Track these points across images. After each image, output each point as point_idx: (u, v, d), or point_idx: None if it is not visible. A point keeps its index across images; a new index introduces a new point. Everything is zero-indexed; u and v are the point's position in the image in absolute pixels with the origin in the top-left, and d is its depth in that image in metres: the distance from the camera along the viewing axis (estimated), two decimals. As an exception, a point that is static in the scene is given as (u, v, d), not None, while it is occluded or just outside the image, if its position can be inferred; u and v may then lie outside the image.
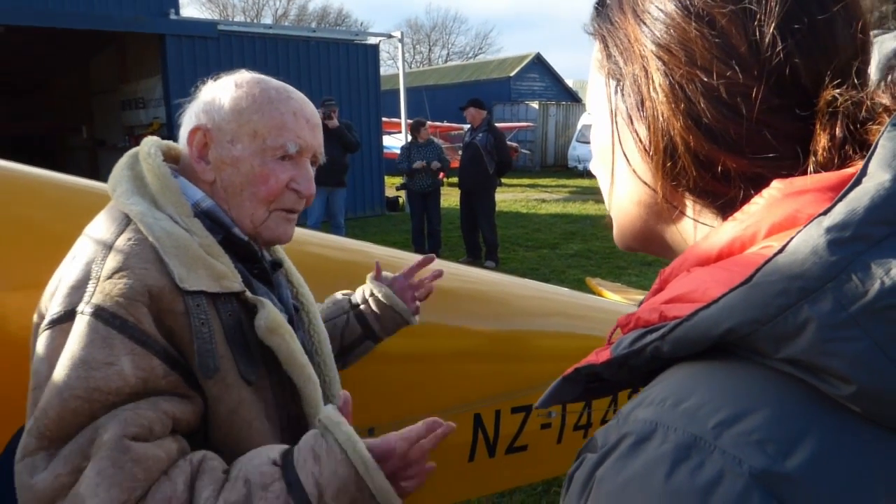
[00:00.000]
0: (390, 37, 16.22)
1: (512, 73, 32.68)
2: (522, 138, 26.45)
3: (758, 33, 0.55)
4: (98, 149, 18.14)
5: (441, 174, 10.35)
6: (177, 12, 14.30)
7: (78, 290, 1.17)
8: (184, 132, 1.36)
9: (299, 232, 2.34)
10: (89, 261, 1.20)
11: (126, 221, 1.24)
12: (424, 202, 10.16)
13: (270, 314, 1.26)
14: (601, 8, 0.68)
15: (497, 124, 10.84)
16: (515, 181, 22.11)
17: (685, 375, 0.52)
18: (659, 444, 0.48)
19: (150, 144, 1.36)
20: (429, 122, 11.13)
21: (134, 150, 1.38)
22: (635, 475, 0.48)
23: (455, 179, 10.89)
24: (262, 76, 1.39)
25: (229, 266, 1.27)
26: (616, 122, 0.66)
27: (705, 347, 0.52)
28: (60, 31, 13.55)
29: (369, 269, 1.79)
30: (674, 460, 0.46)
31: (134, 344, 1.13)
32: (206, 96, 1.37)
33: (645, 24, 0.61)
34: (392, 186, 16.71)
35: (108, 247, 1.20)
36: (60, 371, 1.11)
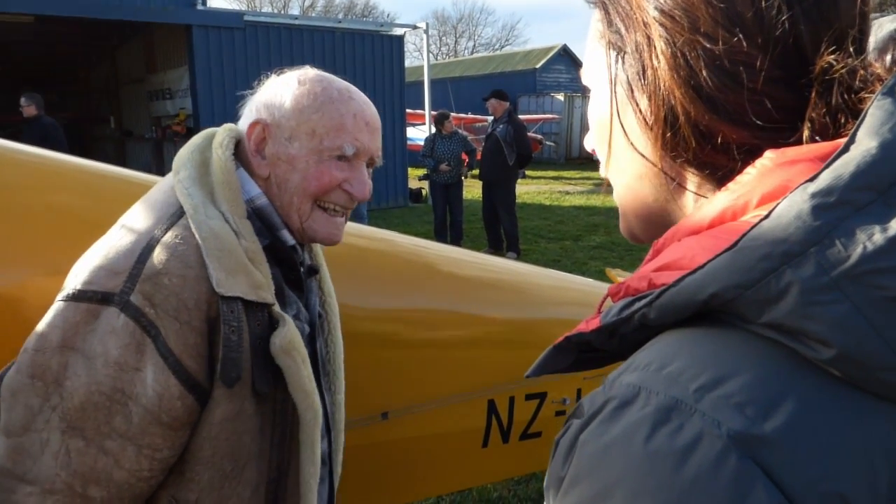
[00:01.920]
0: (415, 28, 16.21)
1: (538, 65, 32.51)
2: (547, 130, 26.30)
3: (764, 1, 0.55)
4: (125, 139, 18.35)
5: (465, 163, 10.38)
6: (203, 3, 14.41)
7: (116, 275, 1.17)
8: (244, 125, 1.36)
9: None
10: (133, 248, 1.20)
11: (178, 214, 1.24)
12: (447, 193, 10.16)
13: (288, 334, 1.24)
14: None
15: (522, 116, 10.82)
16: (539, 173, 22.02)
17: (670, 341, 0.53)
18: (641, 407, 0.48)
19: (226, 133, 1.35)
20: (453, 114, 11.13)
21: (210, 131, 1.38)
22: (616, 438, 0.48)
23: (477, 171, 10.90)
24: (327, 74, 1.38)
25: (267, 276, 1.26)
26: (616, 93, 0.65)
27: (691, 314, 0.52)
28: (89, 21, 13.73)
29: (395, 259, 1.77)
30: (654, 423, 0.47)
31: (158, 357, 1.14)
32: (269, 90, 1.36)
33: None
34: (415, 178, 16.74)
35: (157, 239, 1.20)
36: (91, 363, 1.13)
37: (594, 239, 10.88)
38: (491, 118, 10.22)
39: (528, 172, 20.18)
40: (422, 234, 10.73)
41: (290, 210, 1.33)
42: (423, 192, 15.56)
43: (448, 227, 10.32)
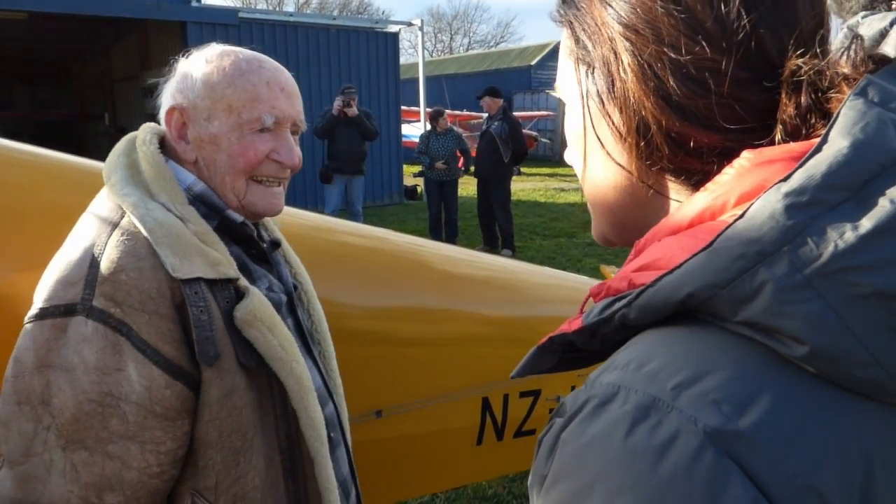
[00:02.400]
0: (410, 25, 16.19)
1: (533, 62, 32.47)
2: (543, 127, 26.30)
3: (723, 7, 0.56)
4: (119, 135, 18.19)
5: (460, 162, 10.38)
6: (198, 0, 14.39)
7: (72, 285, 1.17)
8: (162, 114, 1.35)
9: (319, 219, 2.39)
10: (84, 255, 1.20)
11: (120, 214, 1.24)
12: (441, 190, 10.17)
13: (248, 306, 1.24)
14: None
15: (517, 113, 10.81)
16: (535, 170, 22.03)
17: (649, 340, 0.54)
18: (620, 405, 0.49)
19: (147, 131, 1.36)
20: (448, 111, 11.13)
21: (131, 135, 1.37)
22: (596, 435, 0.49)
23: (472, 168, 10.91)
24: (233, 47, 1.36)
25: (224, 253, 1.26)
26: (588, 107, 0.66)
27: (669, 313, 0.53)
28: (83, 18, 13.69)
29: (388, 256, 1.78)
30: (633, 420, 0.48)
31: (136, 352, 1.14)
32: (179, 74, 1.35)
33: (610, 5, 0.61)
34: (411, 175, 16.74)
35: (104, 242, 1.20)
36: (72, 375, 1.12)
37: (589, 236, 10.87)
38: (486, 115, 10.23)
39: (523, 169, 20.17)
40: (417, 231, 10.73)
41: (225, 190, 1.32)
42: (419, 188, 15.57)
43: (443, 225, 10.32)
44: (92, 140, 20.64)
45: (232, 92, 1.29)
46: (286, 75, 1.36)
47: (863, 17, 0.64)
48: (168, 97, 1.35)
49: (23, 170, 1.76)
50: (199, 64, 1.32)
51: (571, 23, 0.67)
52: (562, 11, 0.68)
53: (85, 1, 12.85)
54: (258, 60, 1.34)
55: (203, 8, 14.16)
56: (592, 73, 0.65)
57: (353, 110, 8.96)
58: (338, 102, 9.07)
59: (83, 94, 21.48)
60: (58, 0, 12.49)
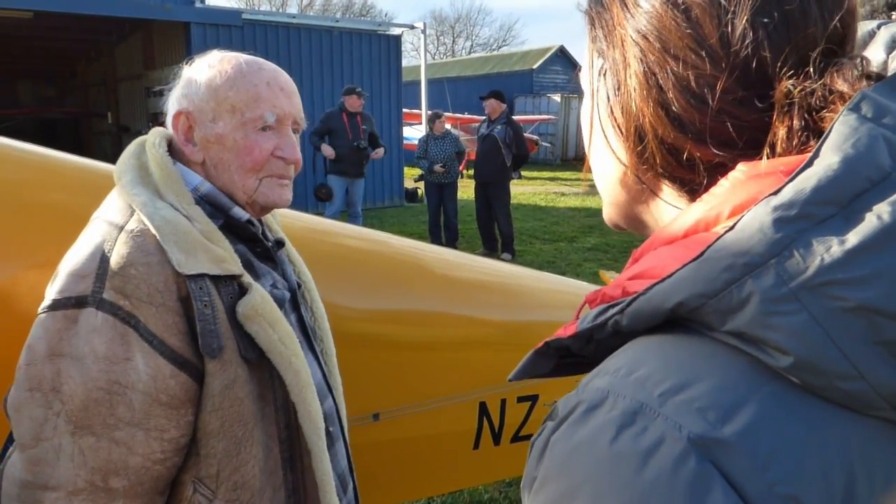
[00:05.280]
0: (413, 27, 16.22)
1: (535, 66, 32.50)
2: (544, 131, 26.31)
3: (730, 25, 0.57)
4: (122, 134, 18.33)
5: (461, 166, 10.39)
6: (202, 0, 14.41)
7: (83, 278, 1.22)
8: (169, 119, 1.41)
9: (319, 222, 2.39)
10: (95, 250, 1.25)
11: (130, 212, 1.29)
12: (441, 193, 10.18)
13: (250, 301, 1.29)
14: None
15: (519, 117, 10.83)
16: (535, 174, 22.04)
17: (639, 347, 0.55)
18: (608, 410, 0.50)
19: (156, 135, 1.41)
20: (447, 114, 11.14)
21: (141, 138, 1.43)
22: (584, 439, 0.51)
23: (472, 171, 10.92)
24: (233, 53, 1.43)
25: (228, 251, 1.31)
26: (597, 102, 0.68)
27: (660, 321, 0.54)
28: (88, 18, 13.70)
29: (387, 260, 1.80)
30: (620, 425, 0.49)
31: (143, 342, 1.20)
32: (182, 81, 1.41)
33: (628, 9, 0.63)
34: (411, 178, 16.75)
35: (114, 238, 1.25)
36: (82, 363, 1.18)
37: (589, 241, 10.90)
38: (483, 118, 10.24)
39: (523, 173, 20.17)
40: (417, 233, 10.74)
41: (234, 188, 1.38)
42: (419, 191, 15.57)
43: (442, 227, 10.34)
44: (95, 138, 20.67)
45: (235, 93, 1.35)
46: (285, 76, 1.43)
47: (877, 26, 0.65)
48: (174, 103, 1.41)
49: (23, 168, 1.77)
50: (203, 69, 1.39)
51: (593, 18, 0.68)
52: (590, 4, 0.70)
53: (91, 1, 12.87)
54: (258, 63, 1.40)
55: (207, 9, 14.19)
56: (604, 70, 0.66)
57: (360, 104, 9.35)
58: (357, 101, 9.37)
59: (87, 93, 21.52)
60: (63, 0, 12.51)
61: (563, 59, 33.48)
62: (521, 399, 2.25)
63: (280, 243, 1.57)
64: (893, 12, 1.76)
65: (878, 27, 0.63)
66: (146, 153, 1.38)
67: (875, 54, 0.63)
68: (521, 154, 9.65)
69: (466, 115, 22.75)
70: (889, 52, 0.63)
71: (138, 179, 1.33)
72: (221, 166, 1.37)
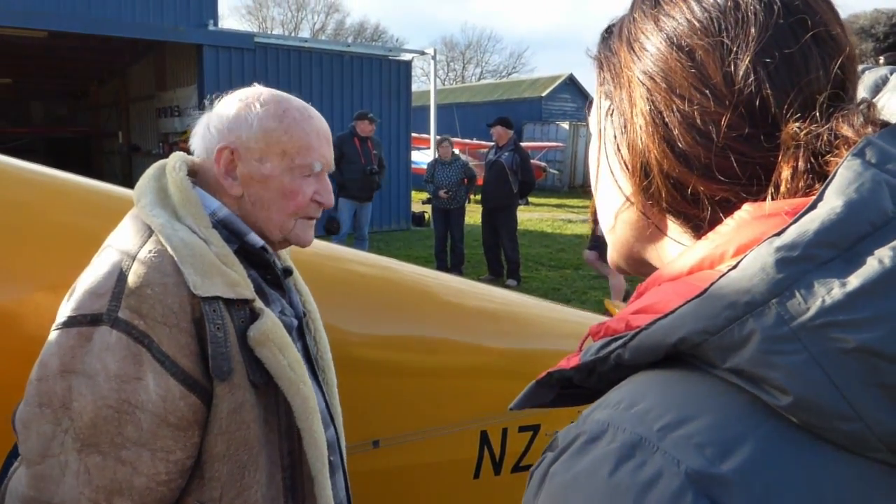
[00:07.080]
0: (423, 53, 16.38)
1: (544, 93, 32.72)
2: (552, 158, 26.42)
3: (732, 65, 0.58)
4: (132, 154, 18.47)
5: (469, 192, 10.44)
6: (215, 23, 14.59)
7: (100, 297, 1.23)
8: (205, 147, 1.43)
9: (326, 246, 2.40)
10: (112, 269, 1.26)
11: (148, 233, 1.31)
12: (447, 218, 10.22)
13: (261, 327, 1.31)
14: (606, 35, 0.72)
15: (527, 143, 10.90)
16: (543, 200, 22.08)
17: (640, 381, 0.56)
18: (608, 442, 0.51)
19: (177, 159, 1.43)
20: (455, 140, 11.22)
21: (161, 162, 1.45)
22: (583, 471, 0.51)
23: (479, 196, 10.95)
24: (280, 93, 1.46)
25: (242, 275, 1.33)
26: (604, 141, 0.70)
27: (662, 356, 0.55)
28: (101, 39, 13.88)
29: (393, 286, 1.81)
30: (618, 458, 0.50)
31: (156, 363, 1.21)
32: (228, 112, 1.42)
33: (635, 52, 0.65)
34: (419, 202, 16.81)
35: (132, 258, 1.27)
36: (93, 381, 1.19)
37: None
38: (492, 144, 10.30)
39: (530, 199, 20.22)
40: (422, 257, 10.75)
41: (270, 225, 1.42)
42: (426, 215, 15.62)
43: (448, 252, 10.35)
44: (105, 157, 20.83)
45: (288, 139, 1.39)
46: (326, 125, 1.49)
47: (862, 70, 0.66)
48: (214, 135, 1.42)
49: (30, 188, 1.78)
50: (254, 107, 1.41)
51: (601, 62, 0.71)
52: (599, 50, 0.73)
53: (105, 22, 13.06)
54: (307, 111, 1.46)
55: (219, 32, 14.38)
56: (612, 111, 0.69)
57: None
58: (369, 126, 9.56)
59: (98, 113, 21.71)
60: (78, 21, 12.70)
61: (573, 88, 33.70)
62: (522, 429, 2.24)
63: (288, 271, 1.58)
64: (881, 57, 1.78)
65: (863, 72, 0.64)
66: (166, 176, 1.39)
67: (860, 97, 0.64)
68: (527, 181, 9.70)
69: (475, 141, 22.86)
70: (873, 96, 0.64)
71: (157, 201, 1.35)
72: (260, 204, 1.40)
